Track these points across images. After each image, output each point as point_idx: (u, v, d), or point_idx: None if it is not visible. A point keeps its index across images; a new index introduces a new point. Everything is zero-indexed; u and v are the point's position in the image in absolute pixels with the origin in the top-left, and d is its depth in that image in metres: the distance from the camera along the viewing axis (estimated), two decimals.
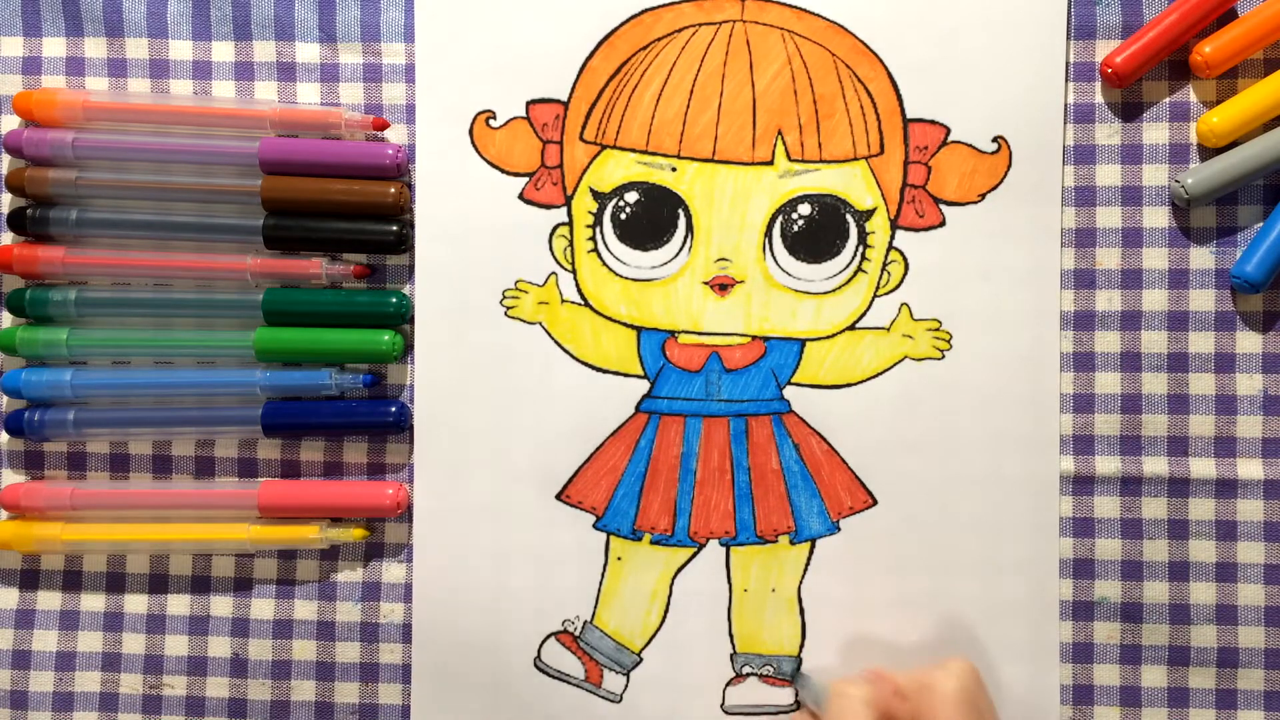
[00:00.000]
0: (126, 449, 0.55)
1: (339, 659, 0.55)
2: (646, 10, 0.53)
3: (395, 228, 0.53)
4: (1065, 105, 0.53)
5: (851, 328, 0.53)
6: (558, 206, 0.54)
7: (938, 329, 0.53)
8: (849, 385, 0.53)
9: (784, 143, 0.53)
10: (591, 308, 0.54)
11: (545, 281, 0.54)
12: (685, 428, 0.54)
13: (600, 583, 0.54)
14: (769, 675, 0.54)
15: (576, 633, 0.54)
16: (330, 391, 0.54)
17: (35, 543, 0.54)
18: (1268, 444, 0.53)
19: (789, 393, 0.54)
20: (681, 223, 0.54)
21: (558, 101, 0.54)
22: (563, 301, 0.54)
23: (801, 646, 0.54)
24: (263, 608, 0.55)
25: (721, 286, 0.54)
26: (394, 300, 0.54)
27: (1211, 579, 0.53)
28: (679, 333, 0.54)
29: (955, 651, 0.53)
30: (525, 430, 0.54)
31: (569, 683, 0.54)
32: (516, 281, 0.54)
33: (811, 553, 0.54)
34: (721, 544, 0.54)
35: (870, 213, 0.53)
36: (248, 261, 0.54)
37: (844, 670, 0.53)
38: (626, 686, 0.54)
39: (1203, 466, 0.53)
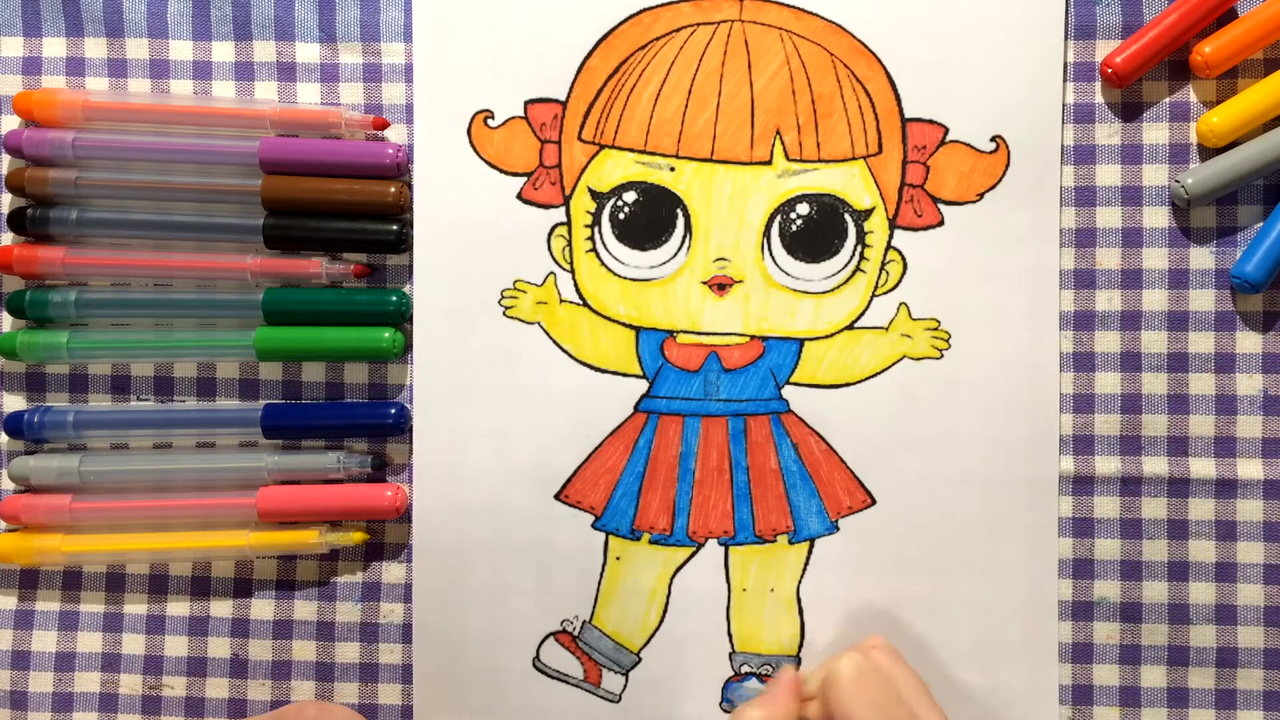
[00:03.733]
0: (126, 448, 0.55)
1: (339, 659, 0.55)
2: (645, 10, 0.53)
3: (395, 227, 0.53)
4: (1064, 105, 0.53)
5: (850, 327, 0.53)
6: (556, 206, 0.54)
7: (936, 328, 0.53)
8: (848, 385, 0.53)
9: (782, 142, 0.53)
10: (590, 307, 0.54)
11: (544, 281, 0.54)
12: (684, 427, 0.54)
13: (599, 582, 0.54)
14: (768, 675, 0.54)
15: (575, 632, 0.54)
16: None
17: (35, 554, 0.54)
18: (1268, 444, 0.53)
19: (787, 392, 0.54)
20: (680, 222, 0.54)
21: (556, 101, 0.54)
22: (561, 301, 0.54)
23: (800, 646, 0.54)
24: (263, 608, 0.55)
25: (720, 286, 0.54)
26: (394, 299, 0.54)
27: (1211, 579, 0.53)
28: (677, 332, 0.54)
29: (955, 651, 0.53)
30: (524, 430, 0.54)
31: (568, 682, 0.54)
32: (515, 281, 0.54)
33: (810, 552, 0.54)
34: (720, 544, 0.54)
35: (869, 212, 0.53)
36: (248, 261, 0.54)
37: None
38: (625, 686, 0.54)
39: (1203, 466, 0.53)
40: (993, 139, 0.53)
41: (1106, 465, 0.53)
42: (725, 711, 0.54)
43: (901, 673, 0.47)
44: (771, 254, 0.53)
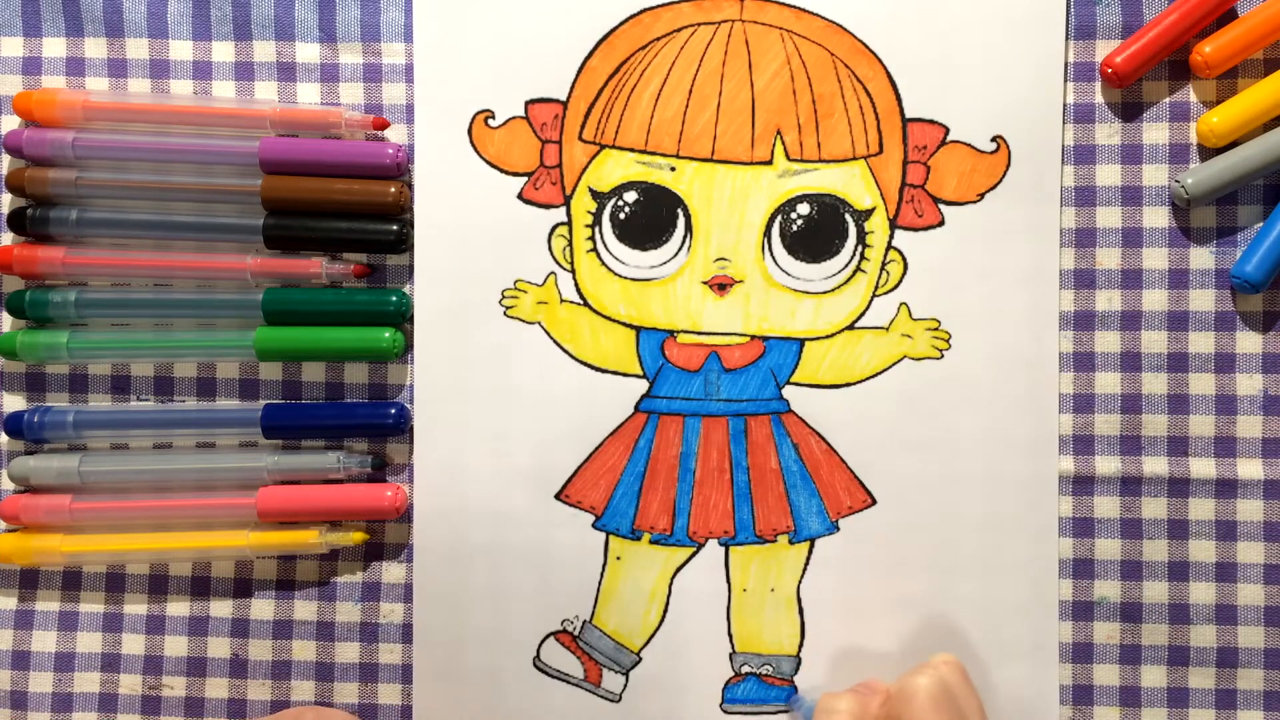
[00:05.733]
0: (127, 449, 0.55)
1: (339, 659, 0.55)
2: (645, 10, 0.53)
3: (395, 227, 0.53)
4: (1065, 105, 0.53)
5: (850, 327, 0.53)
6: (557, 206, 0.54)
7: (937, 328, 0.53)
8: (848, 385, 0.53)
9: (783, 142, 0.53)
10: (590, 307, 0.54)
11: (544, 281, 0.54)
12: (684, 427, 0.54)
13: (599, 582, 0.54)
14: (768, 674, 0.54)
15: (576, 632, 0.54)
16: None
17: (35, 555, 0.54)
18: (1268, 444, 0.53)
19: (788, 392, 0.54)
20: (680, 222, 0.54)
21: (556, 101, 0.54)
22: (562, 301, 0.54)
23: (800, 646, 0.54)
24: (262, 608, 0.55)
25: (720, 286, 0.54)
26: (394, 299, 0.54)
27: (1211, 579, 0.53)
28: (678, 332, 0.54)
29: (955, 651, 0.52)
30: (525, 430, 0.54)
31: (568, 682, 0.54)
32: (516, 281, 0.54)
33: (810, 552, 0.54)
34: (720, 543, 0.54)
35: (869, 212, 0.53)
36: (248, 261, 0.54)
37: (841, 671, 0.53)
38: (625, 686, 0.54)
39: (1203, 466, 0.53)
40: (993, 139, 0.53)
41: (1106, 465, 0.53)
42: (725, 712, 0.54)
43: (967, 694, 0.48)
44: (772, 254, 0.53)
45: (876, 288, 0.54)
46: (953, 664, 0.49)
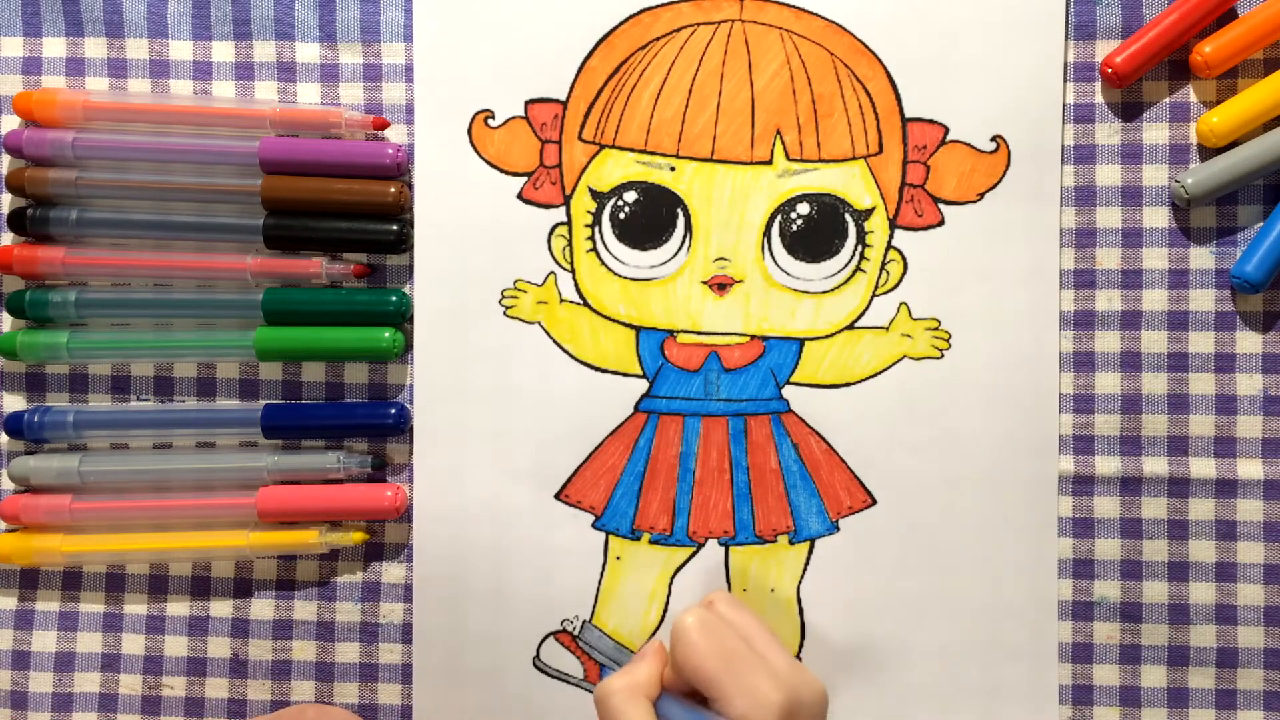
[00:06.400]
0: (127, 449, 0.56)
1: (339, 659, 0.55)
2: (645, 10, 0.53)
3: (395, 227, 0.53)
4: (1065, 105, 0.53)
5: (850, 327, 0.53)
6: (556, 206, 0.54)
7: (936, 328, 0.53)
8: (848, 385, 0.53)
9: (783, 142, 0.53)
10: (590, 307, 0.54)
11: (544, 281, 0.54)
12: (684, 427, 0.54)
13: (599, 582, 0.54)
14: None
15: (575, 632, 0.54)
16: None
17: (35, 555, 0.54)
18: (1268, 444, 0.53)
19: (788, 392, 0.54)
20: (680, 222, 0.54)
21: (556, 101, 0.54)
22: (561, 301, 0.54)
23: (800, 647, 0.53)
24: (262, 608, 0.55)
25: (720, 286, 0.54)
26: (394, 299, 0.54)
27: (1211, 579, 0.53)
28: (678, 332, 0.54)
29: (955, 651, 0.53)
30: (524, 430, 0.54)
31: (568, 682, 0.54)
32: (515, 281, 0.54)
33: (810, 553, 0.54)
34: (720, 544, 0.54)
35: (869, 212, 0.53)
36: (248, 261, 0.54)
37: (841, 671, 0.53)
38: None
39: (1203, 466, 0.53)
40: (993, 139, 0.53)
41: (1106, 465, 0.53)
42: None
43: (743, 619, 0.48)
44: (772, 254, 0.53)
45: (876, 287, 0.54)
46: (721, 598, 0.49)
